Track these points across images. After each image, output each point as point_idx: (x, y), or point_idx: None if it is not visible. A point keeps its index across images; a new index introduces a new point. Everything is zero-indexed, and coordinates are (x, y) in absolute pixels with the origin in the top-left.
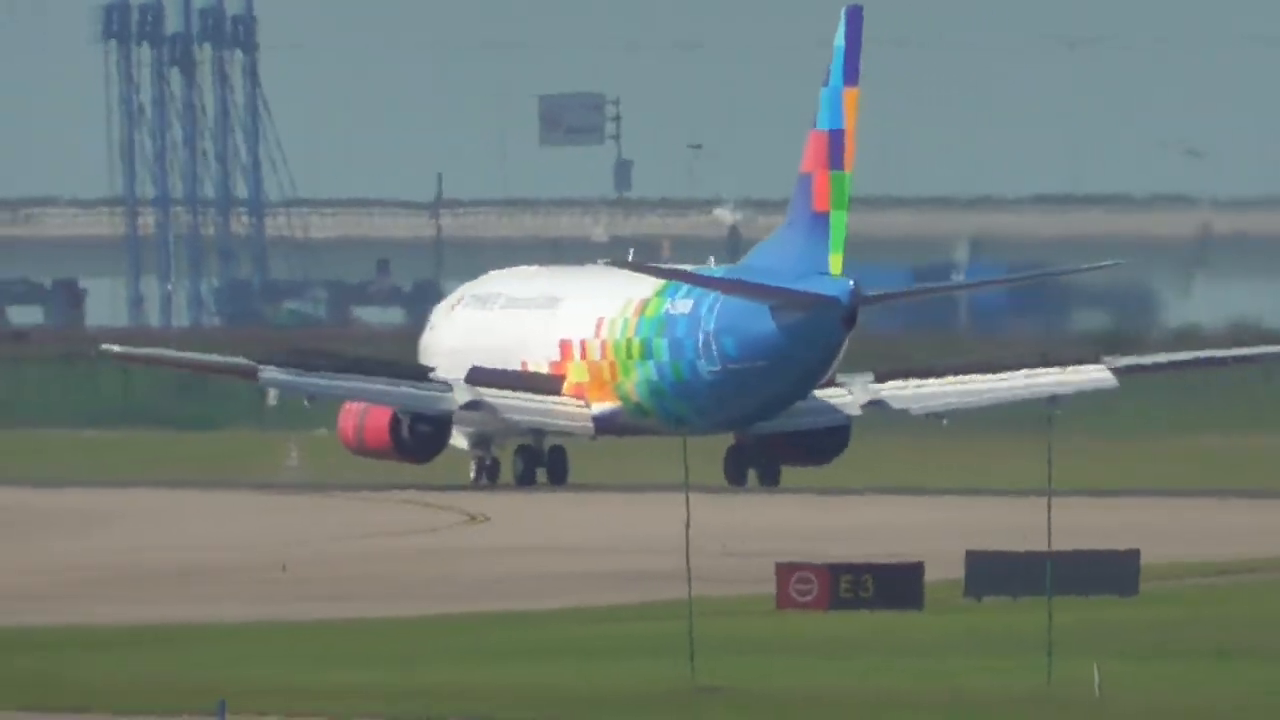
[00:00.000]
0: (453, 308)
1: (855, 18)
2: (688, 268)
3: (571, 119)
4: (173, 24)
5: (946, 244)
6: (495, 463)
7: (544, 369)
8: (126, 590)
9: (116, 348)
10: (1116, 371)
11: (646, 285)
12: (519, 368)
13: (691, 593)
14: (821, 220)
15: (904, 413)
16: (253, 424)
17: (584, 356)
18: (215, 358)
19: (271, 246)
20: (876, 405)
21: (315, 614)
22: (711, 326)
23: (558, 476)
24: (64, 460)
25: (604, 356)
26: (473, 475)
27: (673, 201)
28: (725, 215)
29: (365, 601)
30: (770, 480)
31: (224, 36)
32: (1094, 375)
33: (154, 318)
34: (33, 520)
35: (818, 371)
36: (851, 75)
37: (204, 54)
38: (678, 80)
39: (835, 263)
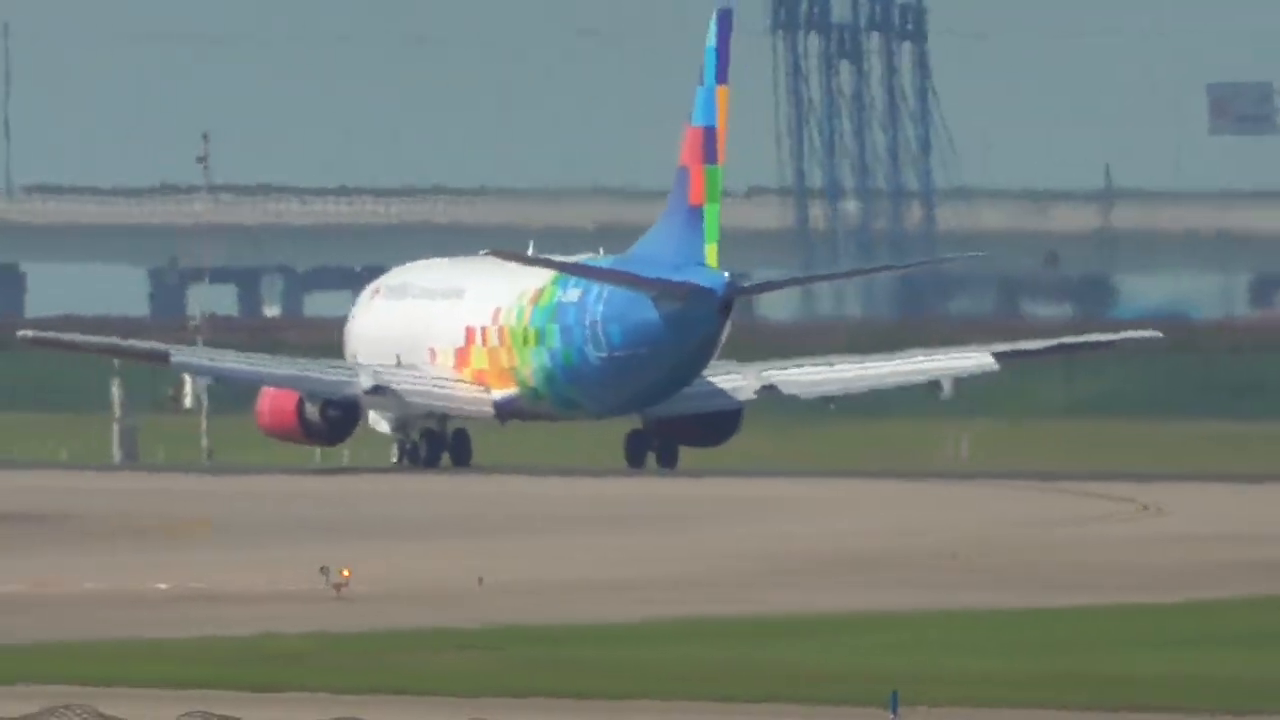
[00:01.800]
0: (372, 298)
1: (725, 20)
2: (577, 259)
3: (1240, 108)
4: (840, 14)
5: None
6: (415, 446)
7: (450, 356)
8: (801, 578)
9: (30, 333)
10: (998, 356)
11: (543, 275)
12: (428, 355)
13: None
14: (697, 213)
15: (794, 398)
16: (922, 414)
17: (484, 343)
18: (129, 342)
19: (941, 239)
20: (769, 390)
21: (988, 602)
22: (599, 315)
23: (461, 459)
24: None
25: (502, 343)
26: (394, 458)
27: None
28: None
29: (1039, 590)
30: (668, 462)
31: (892, 26)
32: (975, 360)
33: (826, 308)
34: (725, 509)
35: (698, 358)
36: (723, 74)
37: (872, 44)
38: None
39: (711, 253)
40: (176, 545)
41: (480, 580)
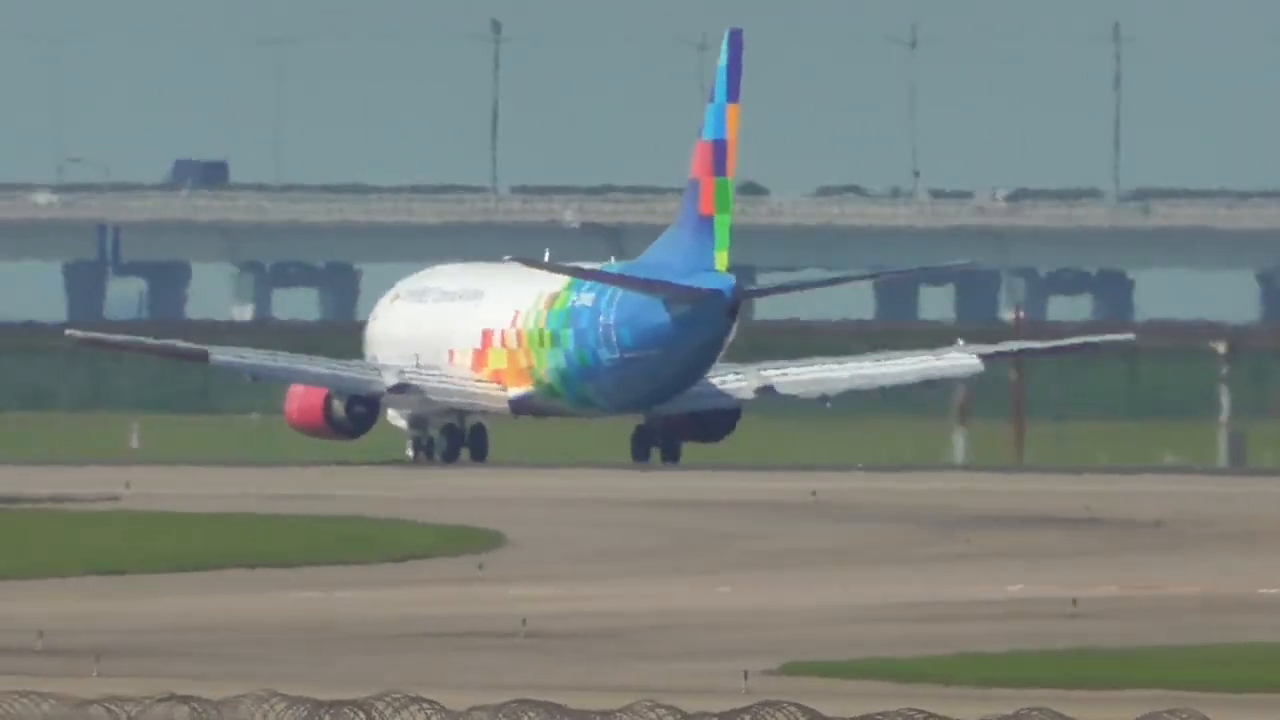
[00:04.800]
0: (393, 301)
1: (736, 40)
2: (589, 265)
3: None
4: None
5: None
6: (432, 441)
7: (469, 356)
8: None
9: (79, 333)
10: (983, 357)
11: (558, 280)
12: (447, 355)
13: None
14: (707, 222)
15: (792, 397)
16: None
17: (503, 344)
18: (167, 342)
19: None
20: (767, 390)
21: None
22: (611, 318)
23: (479, 454)
24: None
25: (519, 345)
26: (410, 453)
27: None
28: None
29: None
30: (671, 457)
31: None
32: (961, 361)
33: None
34: None
35: (706, 358)
36: (734, 92)
37: None
38: None
39: (721, 260)
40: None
41: None
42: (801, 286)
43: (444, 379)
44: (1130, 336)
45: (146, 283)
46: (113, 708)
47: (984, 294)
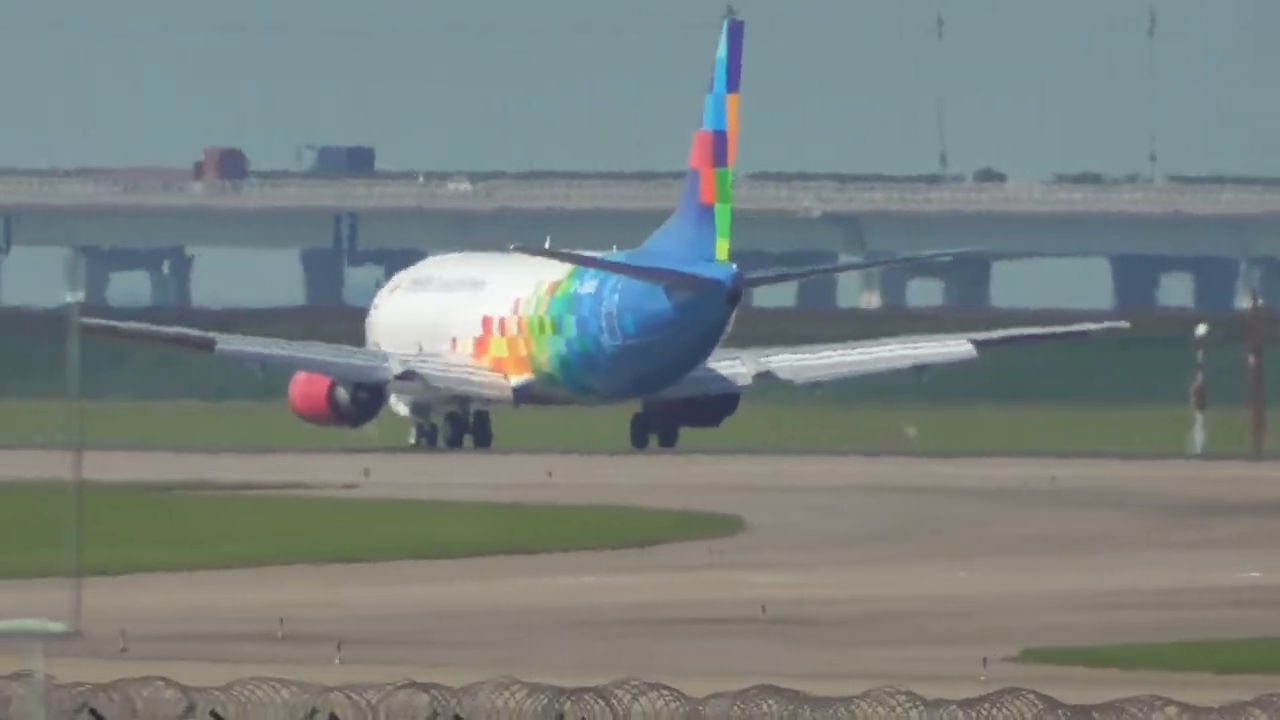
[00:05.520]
0: (393, 291)
1: (736, 31)
2: (592, 254)
3: None
4: None
5: None
6: (434, 428)
7: (470, 344)
8: None
9: (88, 320)
10: (975, 344)
11: (559, 269)
12: (449, 343)
13: None
14: (708, 211)
15: (789, 383)
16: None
17: (503, 333)
18: (174, 330)
19: None
20: (765, 376)
21: None
22: (613, 306)
23: (482, 440)
24: None
25: (520, 332)
26: (413, 440)
27: None
28: None
29: None
30: (669, 442)
31: None
32: (955, 348)
33: None
34: None
35: (706, 345)
36: (734, 83)
37: None
38: None
39: (721, 248)
40: None
41: None
42: (801, 275)
43: (448, 367)
44: (1124, 324)
45: (384, 270)
46: (353, 695)
47: (1223, 282)
